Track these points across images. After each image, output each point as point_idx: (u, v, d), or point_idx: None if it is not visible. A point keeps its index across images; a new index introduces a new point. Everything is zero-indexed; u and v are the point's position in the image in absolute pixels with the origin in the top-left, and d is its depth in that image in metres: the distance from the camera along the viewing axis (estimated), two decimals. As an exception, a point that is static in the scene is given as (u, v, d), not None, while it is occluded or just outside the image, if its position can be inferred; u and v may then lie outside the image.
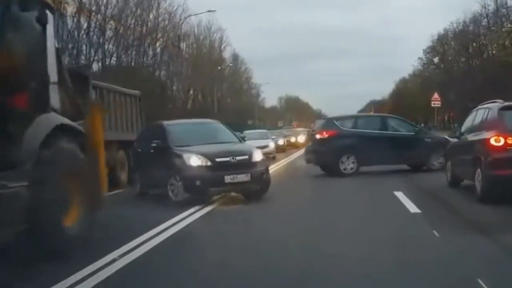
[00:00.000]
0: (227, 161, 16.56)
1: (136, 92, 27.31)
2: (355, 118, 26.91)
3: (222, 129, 19.33)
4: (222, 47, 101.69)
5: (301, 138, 64.32)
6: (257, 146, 36.77)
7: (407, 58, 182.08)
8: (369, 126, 25.29)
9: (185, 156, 16.58)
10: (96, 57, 65.92)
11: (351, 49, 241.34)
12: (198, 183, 16.09)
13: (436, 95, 53.37)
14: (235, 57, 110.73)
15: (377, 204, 15.83)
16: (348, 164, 23.99)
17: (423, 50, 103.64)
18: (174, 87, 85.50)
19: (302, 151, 38.59)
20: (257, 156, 17.18)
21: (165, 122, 19.59)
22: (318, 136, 24.90)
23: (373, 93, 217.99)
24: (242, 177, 16.41)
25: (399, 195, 16.33)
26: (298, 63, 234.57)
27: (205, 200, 16.23)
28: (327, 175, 24.75)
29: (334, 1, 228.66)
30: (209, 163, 16.30)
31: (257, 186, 16.92)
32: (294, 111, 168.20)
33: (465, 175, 16.62)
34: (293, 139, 61.03)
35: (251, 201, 16.67)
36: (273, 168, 29.77)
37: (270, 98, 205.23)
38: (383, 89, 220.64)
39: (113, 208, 13.97)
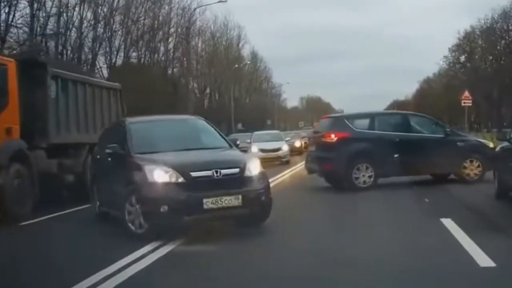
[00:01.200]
0: (208, 176, 11.20)
1: (116, 84, 23.08)
2: (371, 116, 20.59)
3: (206, 129, 13.81)
4: (240, 44, 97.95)
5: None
6: (267, 149, 33.50)
7: (431, 58, 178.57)
8: (389, 126, 20.18)
9: (146, 168, 11.30)
10: (100, 51, 61.60)
11: (372, 50, 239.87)
12: (163, 209, 10.83)
13: (467, 93, 48.29)
14: (254, 55, 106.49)
15: (423, 246, 9.79)
16: (364, 175, 19.05)
17: (449, 48, 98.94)
18: (190, 86, 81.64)
19: None
20: (253, 168, 11.74)
21: (128, 120, 13.98)
22: (324, 140, 19.69)
23: (396, 94, 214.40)
24: (230, 200, 11.17)
25: (449, 225, 11.26)
26: (319, 64, 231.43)
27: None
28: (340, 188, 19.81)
29: (353, 1, 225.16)
30: (181, 179, 11.06)
31: (252, 212, 11.52)
32: (316, 111, 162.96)
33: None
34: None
35: (239, 234, 11.62)
36: (283, 176, 26.41)
37: (291, 98, 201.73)
38: (407, 89, 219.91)
39: (51, 233, 11.60)
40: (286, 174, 27.68)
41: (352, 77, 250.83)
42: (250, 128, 74.49)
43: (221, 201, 11.07)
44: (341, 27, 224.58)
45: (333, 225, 12.55)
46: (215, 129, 13.94)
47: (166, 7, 71.91)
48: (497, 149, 16.56)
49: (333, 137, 19.38)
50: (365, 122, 20.17)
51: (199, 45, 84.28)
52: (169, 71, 75.39)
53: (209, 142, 13.11)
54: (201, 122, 14.19)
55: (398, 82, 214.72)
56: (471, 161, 19.65)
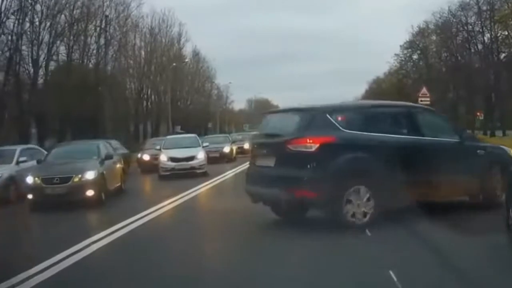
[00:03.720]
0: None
1: None
2: (364, 109, 13.25)
3: None
4: (182, 43, 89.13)
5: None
6: (178, 157, 28.24)
7: (381, 59, 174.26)
8: (390, 126, 12.64)
9: None
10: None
11: (318, 53, 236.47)
12: None
13: (424, 90, 41.22)
14: (196, 54, 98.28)
15: None
16: (360, 204, 11.49)
17: (400, 46, 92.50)
18: (128, 86, 74.19)
19: None
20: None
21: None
22: (293, 149, 11.87)
23: (345, 96, 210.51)
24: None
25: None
26: (267, 67, 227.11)
27: None
28: (299, 225, 12.24)
29: (297, 4, 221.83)
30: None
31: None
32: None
33: None
34: (246, 145, 46.49)
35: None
36: (182, 200, 18.96)
37: (239, 101, 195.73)
38: (355, 91, 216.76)
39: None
40: (192, 195, 20.46)
41: (299, 80, 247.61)
42: (191, 131, 67.66)
43: None
44: (284, 31, 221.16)
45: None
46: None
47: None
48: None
49: (310, 144, 11.64)
50: (357, 118, 12.44)
51: (136, 41, 76.38)
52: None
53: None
54: None
55: (347, 85, 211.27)
56: (494, 176, 12.98)
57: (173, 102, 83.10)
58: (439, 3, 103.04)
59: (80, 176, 18.09)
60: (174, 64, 79.60)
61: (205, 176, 27.17)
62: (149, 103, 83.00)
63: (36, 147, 28.30)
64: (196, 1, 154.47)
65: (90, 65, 63.77)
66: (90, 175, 18.29)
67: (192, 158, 27.98)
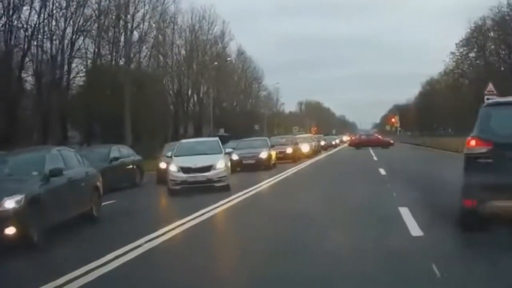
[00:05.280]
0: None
1: None
2: None
3: None
4: (225, 41, 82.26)
5: (305, 147, 47.31)
6: (191, 167, 20.82)
7: (430, 63, 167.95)
8: None
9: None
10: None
11: (370, 56, 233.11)
12: None
13: (491, 86, 34.08)
14: (241, 53, 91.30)
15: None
16: None
17: (456, 44, 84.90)
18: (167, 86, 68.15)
19: (300, 167, 32.13)
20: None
21: None
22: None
23: (397, 99, 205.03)
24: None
25: None
26: (317, 70, 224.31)
27: None
28: None
29: (350, 10, 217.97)
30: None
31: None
32: (315, 117, 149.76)
33: None
34: (289, 150, 40.29)
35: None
36: (160, 240, 11.26)
37: (287, 104, 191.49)
38: (406, 94, 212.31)
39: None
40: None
41: (350, 83, 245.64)
42: (236, 134, 61.41)
43: None
44: (338, 35, 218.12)
45: None
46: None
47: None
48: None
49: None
50: None
51: (175, 39, 70.19)
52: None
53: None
54: None
55: (397, 88, 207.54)
56: None
57: (216, 103, 76.95)
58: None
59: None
60: (216, 63, 72.85)
61: (225, 191, 20.08)
62: (190, 104, 76.27)
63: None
64: (241, 3, 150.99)
65: (121, 63, 57.58)
66: (11, 203, 11.06)
67: (208, 168, 20.67)
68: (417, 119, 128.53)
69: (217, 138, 24.97)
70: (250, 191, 20.12)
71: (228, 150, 24.07)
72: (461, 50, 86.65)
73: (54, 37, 47.97)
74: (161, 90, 64.81)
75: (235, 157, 32.43)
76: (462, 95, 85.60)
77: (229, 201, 17.16)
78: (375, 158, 38.93)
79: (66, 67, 50.24)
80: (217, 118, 73.54)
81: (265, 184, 23.07)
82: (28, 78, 47.28)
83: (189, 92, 75.89)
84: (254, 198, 18.58)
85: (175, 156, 21.74)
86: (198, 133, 72.87)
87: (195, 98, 77.39)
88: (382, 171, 25.47)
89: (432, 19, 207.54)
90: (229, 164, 22.48)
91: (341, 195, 17.62)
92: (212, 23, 78.26)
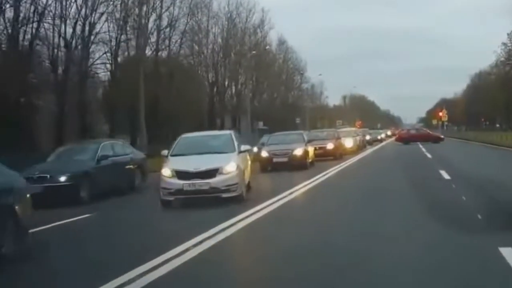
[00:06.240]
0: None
1: None
2: None
3: None
4: (265, 30, 76.36)
5: (349, 142, 41.51)
6: (192, 171, 14.97)
7: (475, 57, 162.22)
8: None
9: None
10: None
11: (414, 50, 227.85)
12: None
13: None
14: (282, 43, 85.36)
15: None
16: None
17: (508, 34, 79.09)
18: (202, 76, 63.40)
19: (344, 165, 28.05)
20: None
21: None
22: None
23: (441, 93, 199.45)
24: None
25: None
26: (361, 63, 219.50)
27: None
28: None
29: (396, 3, 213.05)
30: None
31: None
32: (360, 110, 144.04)
33: None
34: (329, 146, 34.22)
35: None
36: None
37: (331, 97, 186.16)
38: (453, 88, 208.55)
39: None
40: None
41: (394, 77, 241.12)
42: (276, 127, 56.14)
43: None
44: (383, 28, 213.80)
45: None
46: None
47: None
48: None
49: None
50: None
51: (209, 26, 65.05)
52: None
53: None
54: None
55: (443, 82, 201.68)
56: None
57: (255, 95, 71.86)
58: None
59: None
60: (254, 52, 67.35)
61: (237, 203, 14.60)
62: (227, 96, 70.97)
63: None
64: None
65: (149, 52, 52.70)
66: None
67: (213, 172, 14.84)
68: (465, 113, 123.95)
69: (230, 132, 18.73)
70: (274, 202, 14.64)
71: (245, 147, 17.22)
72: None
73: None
74: (195, 80, 59.97)
75: (264, 154, 27.24)
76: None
77: (238, 221, 11.72)
78: (429, 156, 32.93)
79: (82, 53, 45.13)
80: (255, 110, 68.92)
81: (297, 190, 17.51)
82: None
83: (226, 83, 70.65)
84: (276, 217, 12.98)
85: (171, 155, 16.14)
86: (235, 126, 68.74)
87: (233, 89, 72.13)
88: (445, 175, 19.64)
89: (479, 12, 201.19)
90: (245, 166, 16.84)
91: (401, 214, 12.15)
92: (250, 10, 72.56)
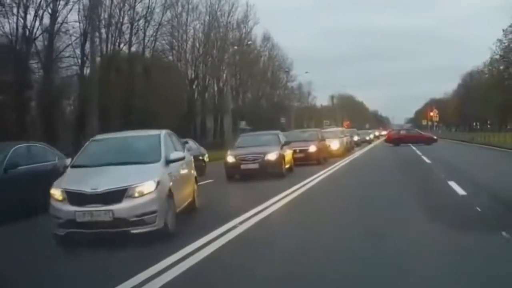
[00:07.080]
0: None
1: None
2: None
3: None
4: (249, 25, 71.66)
5: (335, 144, 36.47)
6: (81, 191, 9.89)
7: (468, 56, 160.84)
8: None
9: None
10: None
11: (404, 50, 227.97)
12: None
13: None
14: (266, 38, 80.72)
15: None
16: None
17: (503, 30, 75.87)
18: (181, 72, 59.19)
19: (327, 172, 23.28)
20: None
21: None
22: None
23: (433, 93, 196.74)
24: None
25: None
26: (346, 65, 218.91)
27: None
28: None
29: (387, 3, 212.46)
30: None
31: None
32: (348, 111, 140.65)
33: None
34: (312, 148, 29.36)
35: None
36: None
37: (319, 98, 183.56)
38: (444, 88, 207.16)
39: None
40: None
41: (384, 77, 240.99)
42: (260, 127, 51.72)
43: None
44: (370, 28, 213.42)
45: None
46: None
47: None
48: None
49: None
50: None
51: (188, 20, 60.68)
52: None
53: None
54: None
55: (430, 82, 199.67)
56: None
57: (239, 93, 67.51)
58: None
59: None
60: (236, 47, 62.69)
61: (158, 242, 9.62)
62: (208, 93, 66.30)
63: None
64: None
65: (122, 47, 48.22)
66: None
67: (118, 194, 9.84)
68: (456, 113, 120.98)
69: (160, 132, 12.56)
70: (222, 234, 10.00)
71: (176, 154, 11.80)
72: (509, 37, 78.35)
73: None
74: (173, 77, 55.60)
75: (230, 159, 22.52)
76: (510, 86, 77.40)
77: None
78: (427, 160, 28.36)
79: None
80: (239, 109, 64.58)
81: (264, 210, 12.82)
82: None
83: (207, 80, 65.80)
84: (217, 265, 8.34)
85: (72, 167, 11.32)
86: (217, 127, 65.02)
87: (215, 87, 67.38)
88: (458, 189, 14.92)
89: (470, 13, 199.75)
90: (181, 181, 12.05)
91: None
92: (233, 4, 67.85)
